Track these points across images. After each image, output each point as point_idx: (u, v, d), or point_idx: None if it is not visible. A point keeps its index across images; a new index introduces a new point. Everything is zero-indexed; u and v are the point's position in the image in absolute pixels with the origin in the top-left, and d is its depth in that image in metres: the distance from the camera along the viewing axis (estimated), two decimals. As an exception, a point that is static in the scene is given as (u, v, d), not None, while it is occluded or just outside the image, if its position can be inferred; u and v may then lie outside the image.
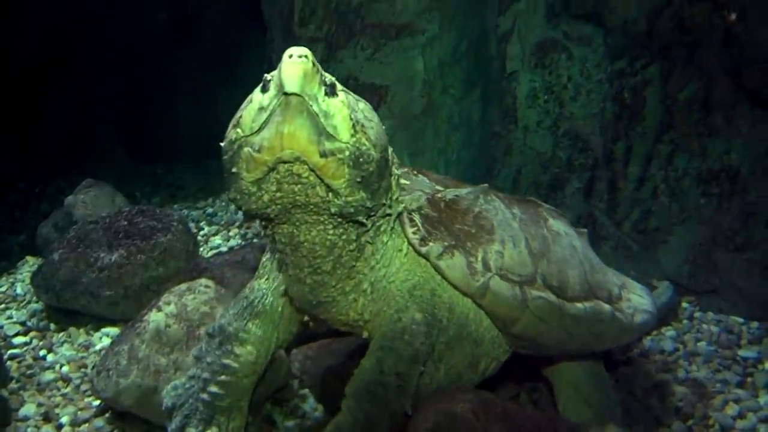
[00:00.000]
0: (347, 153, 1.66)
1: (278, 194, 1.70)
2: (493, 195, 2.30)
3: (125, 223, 3.60)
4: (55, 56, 6.13)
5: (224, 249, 4.28)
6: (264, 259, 2.30)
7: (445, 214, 2.16)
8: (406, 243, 2.07)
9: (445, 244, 2.06)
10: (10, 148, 5.67)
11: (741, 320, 3.36)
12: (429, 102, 4.16)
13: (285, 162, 1.63)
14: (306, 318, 2.23)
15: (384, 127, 1.85)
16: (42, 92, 6.17)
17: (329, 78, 1.69)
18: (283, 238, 1.87)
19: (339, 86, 1.72)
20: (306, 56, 1.60)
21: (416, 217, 2.09)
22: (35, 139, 6.15)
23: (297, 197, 1.70)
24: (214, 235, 4.64)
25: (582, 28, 3.87)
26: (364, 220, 1.82)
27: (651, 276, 3.52)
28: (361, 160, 1.68)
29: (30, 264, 4.30)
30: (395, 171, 1.95)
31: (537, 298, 2.11)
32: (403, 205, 2.04)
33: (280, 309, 2.22)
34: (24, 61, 5.87)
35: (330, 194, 1.69)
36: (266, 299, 2.22)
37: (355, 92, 1.82)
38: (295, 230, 1.83)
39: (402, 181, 2.04)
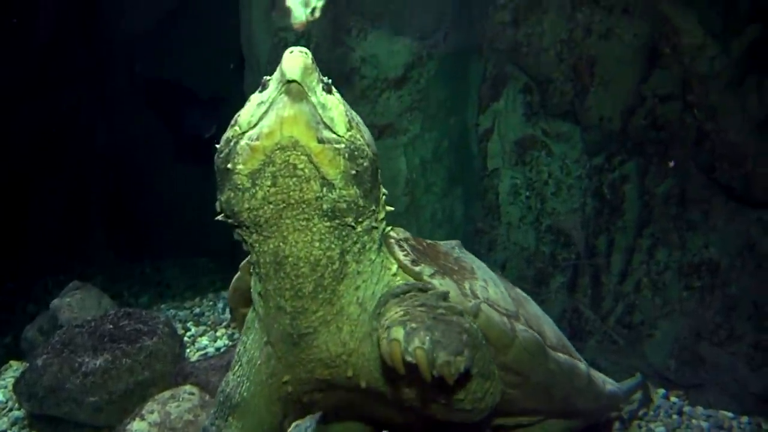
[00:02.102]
0: (343, 145, 1.71)
1: (272, 190, 1.71)
2: (464, 250, 2.40)
3: (111, 326, 3.58)
4: (44, 158, 6.23)
5: (211, 350, 4.25)
6: (237, 347, 2.27)
7: (429, 250, 2.22)
8: (395, 265, 2.08)
9: (435, 268, 2.09)
10: (-1, 248, 5.70)
11: (731, 415, 3.33)
12: (412, 200, 4.24)
13: (283, 149, 1.66)
14: (286, 379, 2.10)
15: None
16: (31, 193, 6.25)
17: (326, 78, 1.78)
18: (267, 257, 1.85)
19: (334, 89, 1.80)
20: (306, 52, 1.69)
21: (404, 244, 2.13)
22: (24, 239, 6.19)
23: (291, 193, 1.71)
24: (201, 335, 4.61)
25: (560, 126, 3.97)
26: (353, 224, 1.83)
27: (637, 370, 3.50)
28: (356, 153, 1.74)
29: (14, 369, 4.25)
30: (383, 190, 1.99)
31: (524, 331, 2.14)
32: (389, 227, 2.08)
33: (259, 389, 2.15)
34: (13, 162, 5.96)
35: (324, 189, 1.72)
36: (242, 387, 2.18)
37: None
38: (281, 243, 1.81)
39: (387, 207, 2.07)
